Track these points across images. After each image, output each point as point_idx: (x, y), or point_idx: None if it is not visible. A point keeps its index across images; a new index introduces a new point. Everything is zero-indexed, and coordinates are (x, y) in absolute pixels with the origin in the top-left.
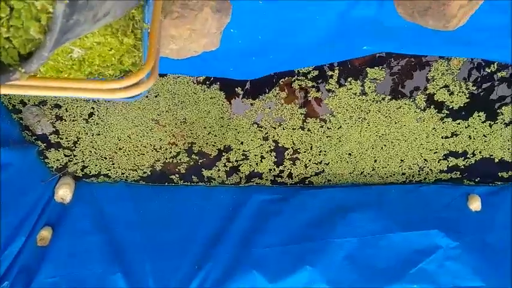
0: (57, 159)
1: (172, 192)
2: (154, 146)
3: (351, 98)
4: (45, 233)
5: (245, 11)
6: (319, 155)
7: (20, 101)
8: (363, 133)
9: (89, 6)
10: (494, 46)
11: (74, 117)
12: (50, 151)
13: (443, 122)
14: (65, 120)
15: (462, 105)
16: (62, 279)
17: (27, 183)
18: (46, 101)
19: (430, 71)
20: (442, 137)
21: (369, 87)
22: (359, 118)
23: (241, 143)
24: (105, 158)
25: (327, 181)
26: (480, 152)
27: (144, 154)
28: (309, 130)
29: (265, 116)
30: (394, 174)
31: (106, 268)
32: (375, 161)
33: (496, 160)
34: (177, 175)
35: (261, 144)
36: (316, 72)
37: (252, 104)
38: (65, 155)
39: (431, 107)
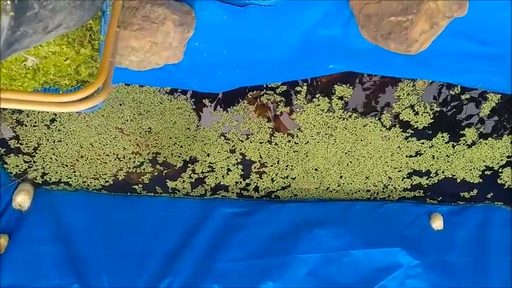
0: (17, 165)
1: (134, 203)
2: (117, 154)
3: (318, 114)
4: (1, 241)
5: (210, 25)
6: (286, 169)
7: None
8: (329, 149)
9: (38, 18)
10: (456, 70)
11: (35, 122)
12: (9, 156)
13: (407, 141)
14: (26, 126)
15: (426, 126)
16: None
17: None
18: None
19: (396, 90)
20: (406, 156)
21: (336, 104)
22: (326, 134)
23: (208, 154)
24: (66, 166)
25: (293, 195)
26: (443, 172)
27: (106, 163)
28: (276, 144)
29: (232, 128)
30: (359, 191)
31: (63, 279)
32: (341, 177)
33: (458, 180)
34: (140, 185)
35: (227, 157)
36: (284, 87)
37: (219, 116)
38: (25, 161)
39: (397, 126)
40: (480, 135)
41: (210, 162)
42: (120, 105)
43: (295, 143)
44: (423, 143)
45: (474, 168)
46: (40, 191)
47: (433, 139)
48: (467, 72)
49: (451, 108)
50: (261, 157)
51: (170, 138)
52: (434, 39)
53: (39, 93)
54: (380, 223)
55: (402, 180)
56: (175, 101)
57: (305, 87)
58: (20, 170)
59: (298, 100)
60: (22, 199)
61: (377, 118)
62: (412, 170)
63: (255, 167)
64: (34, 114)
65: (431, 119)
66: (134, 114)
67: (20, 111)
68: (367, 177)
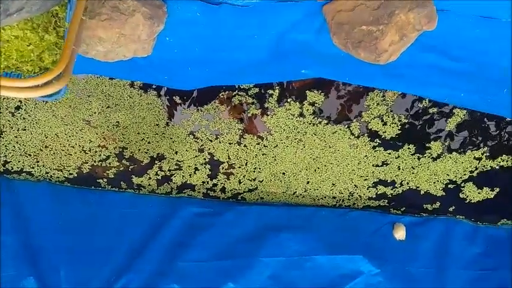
0: None
1: (98, 197)
2: (83, 147)
3: (289, 118)
4: None
5: (182, 21)
6: (254, 171)
7: None
8: (298, 154)
9: None
10: (424, 83)
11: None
12: None
13: (375, 151)
14: None
15: (394, 136)
16: None
17: None
18: None
19: (366, 100)
20: (373, 165)
21: (307, 109)
22: (295, 139)
23: (176, 152)
24: (30, 155)
25: (259, 198)
26: (407, 183)
27: (71, 154)
28: (245, 146)
29: (202, 127)
30: (325, 197)
31: (18, 271)
32: (308, 182)
33: (422, 192)
34: (105, 179)
35: (195, 156)
36: (256, 90)
37: (189, 114)
38: None
39: (365, 135)
40: (445, 149)
41: (177, 160)
42: (89, 96)
43: (264, 146)
44: (390, 154)
45: (438, 181)
46: (1, 180)
47: (400, 150)
48: (435, 86)
49: (418, 121)
50: (229, 158)
51: (138, 133)
52: (403, 50)
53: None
54: (344, 230)
55: (368, 189)
56: (146, 96)
57: (277, 91)
58: None
59: (270, 103)
60: None
61: (346, 126)
62: (377, 180)
63: (222, 168)
64: None
65: (398, 130)
66: (103, 107)
67: None
68: (333, 184)
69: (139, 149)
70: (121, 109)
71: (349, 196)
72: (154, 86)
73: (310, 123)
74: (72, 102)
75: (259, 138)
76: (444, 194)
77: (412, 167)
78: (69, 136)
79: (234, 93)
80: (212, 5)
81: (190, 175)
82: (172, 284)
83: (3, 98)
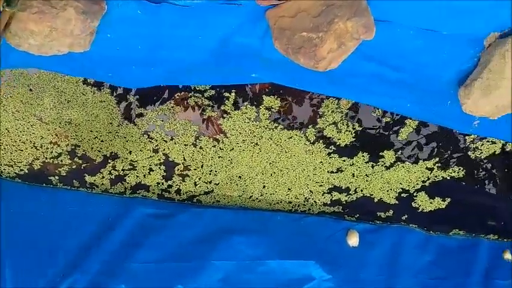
0: None
1: (49, 195)
2: (34, 143)
3: (245, 122)
4: None
5: (123, 19)
6: (210, 174)
7: None
8: (254, 158)
9: None
10: (368, 92)
11: None
12: None
13: (330, 157)
14: None
15: (348, 144)
16: None
17: None
18: None
19: (321, 107)
20: (328, 172)
21: (264, 114)
22: (251, 143)
23: (130, 152)
24: None
25: (215, 201)
26: (362, 190)
27: (22, 150)
28: (201, 148)
29: (157, 127)
30: (281, 202)
31: None
32: (264, 186)
33: (376, 200)
34: (57, 177)
35: (150, 156)
36: (212, 92)
37: (144, 114)
38: None
39: (320, 141)
40: (398, 158)
41: (131, 160)
42: (41, 92)
43: (220, 148)
44: (344, 161)
45: (391, 189)
46: None
47: (354, 158)
48: (379, 96)
49: (372, 129)
50: (184, 159)
51: (91, 131)
52: (344, 59)
53: None
54: (298, 235)
55: (323, 195)
56: (99, 94)
57: (233, 94)
58: None
59: (226, 106)
60: None
61: (302, 132)
62: (332, 186)
63: (178, 169)
64: None
65: (353, 137)
66: (55, 103)
67: None
68: (289, 189)
69: (92, 147)
70: (74, 106)
71: (304, 201)
72: (108, 84)
73: (266, 128)
74: (24, 97)
75: (215, 140)
76: (397, 202)
77: (366, 175)
78: (20, 131)
79: (190, 94)
80: (152, 3)
81: (144, 175)
82: (121, 285)
83: None
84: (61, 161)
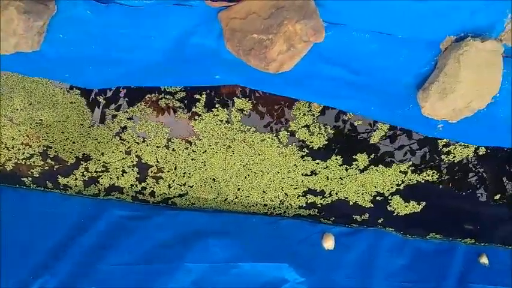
0: None
1: (22, 196)
2: (5, 144)
3: (216, 124)
4: None
5: (73, 19)
6: (184, 176)
7: None
8: (227, 160)
9: None
10: (330, 95)
11: None
12: None
13: (303, 160)
14: None
15: (321, 147)
16: None
17: None
18: None
19: (293, 109)
20: (302, 174)
21: (235, 116)
22: (224, 145)
23: (102, 154)
24: None
25: (191, 204)
26: (336, 193)
27: None
28: (173, 150)
29: (128, 129)
30: (256, 205)
31: None
32: (239, 189)
33: (351, 203)
34: (30, 178)
35: (123, 158)
36: (183, 94)
37: (115, 116)
38: None
39: (293, 144)
40: (371, 161)
41: (104, 162)
42: (10, 93)
43: (193, 150)
44: (318, 163)
45: (366, 192)
46: None
47: (328, 160)
48: (341, 98)
49: (344, 133)
50: (157, 161)
51: (62, 132)
52: (296, 61)
53: None
54: (273, 238)
55: (298, 198)
56: (69, 95)
57: (204, 96)
58: None
59: (197, 108)
60: None
61: (275, 134)
62: (307, 189)
63: (151, 171)
64: None
65: (325, 140)
66: (25, 103)
67: None
68: (264, 192)
69: (64, 149)
70: (44, 107)
71: (280, 204)
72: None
73: (238, 130)
74: None
75: (188, 142)
76: (372, 205)
77: (341, 178)
78: None
79: (161, 96)
80: (101, 3)
81: (118, 177)
82: (91, 287)
83: None
84: (33, 162)
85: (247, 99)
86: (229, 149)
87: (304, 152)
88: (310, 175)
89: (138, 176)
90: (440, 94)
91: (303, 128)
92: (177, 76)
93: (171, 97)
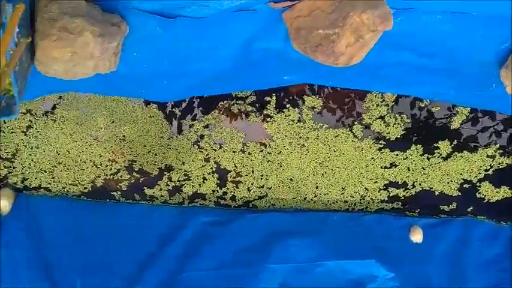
0: None
1: (113, 210)
2: (94, 161)
3: (289, 124)
4: None
5: (145, 37)
6: (261, 179)
7: None
8: (302, 159)
9: None
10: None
11: (12, 129)
12: None
13: (381, 153)
14: (4, 132)
15: (399, 137)
16: None
17: None
18: None
19: (365, 101)
20: (381, 167)
21: (307, 114)
22: (298, 144)
23: (183, 163)
24: (45, 172)
25: (271, 205)
26: (420, 184)
27: (84, 169)
28: (249, 154)
29: (205, 137)
30: (336, 202)
31: (35, 283)
32: (317, 187)
33: (437, 193)
34: (119, 192)
35: (202, 165)
36: (254, 98)
37: (191, 125)
38: (5, 167)
39: (369, 137)
40: (454, 148)
41: (185, 171)
42: (93, 113)
43: (268, 152)
44: (397, 155)
45: (452, 181)
46: (21, 196)
47: (407, 151)
48: (418, 85)
49: (422, 121)
50: (235, 166)
51: (144, 146)
52: (366, 52)
53: None
54: (356, 235)
55: (379, 192)
56: (147, 110)
57: (274, 98)
58: (0, 175)
59: (269, 110)
60: (3, 204)
61: (348, 129)
62: (388, 182)
63: (230, 176)
64: (10, 121)
65: (402, 130)
66: (107, 122)
67: None
68: (343, 188)
69: (147, 161)
70: (125, 123)
71: (360, 199)
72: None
73: (311, 128)
74: (79, 119)
75: (262, 145)
76: (460, 194)
77: (423, 168)
78: (80, 152)
79: (232, 102)
80: (169, 18)
81: (199, 185)
82: None
83: (15, 118)
84: (120, 176)
85: (317, 96)
86: (304, 147)
87: (381, 144)
88: (390, 167)
89: (218, 181)
90: None
91: (377, 120)
92: (246, 81)
93: (243, 102)
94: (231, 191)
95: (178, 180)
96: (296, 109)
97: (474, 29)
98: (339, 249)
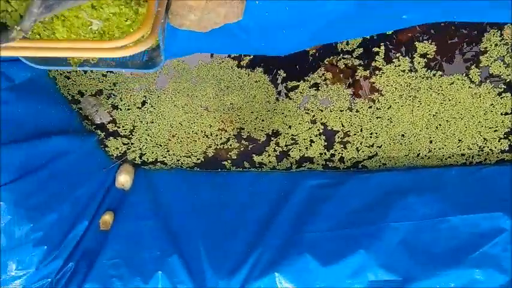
0: (117, 148)
1: (224, 178)
2: (205, 132)
3: (399, 75)
4: (107, 218)
5: None
6: (371, 137)
7: (78, 91)
8: (414, 112)
9: None
10: None
11: (128, 106)
12: (109, 139)
13: (501, 98)
14: (121, 109)
15: None
16: (122, 261)
17: (89, 170)
18: (102, 91)
19: (482, 42)
20: (501, 114)
21: (419, 62)
22: (409, 96)
23: (289, 127)
24: (161, 146)
25: (381, 165)
26: None
27: (196, 141)
28: (357, 111)
29: (311, 98)
30: (452, 156)
31: (162, 251)
32: (431, 142)
33: None
34: (229, 161)
35: (309, 128)
36: (361, 50)
37: (297, 87)
38: (123, 143)
39: (487, 81)
40: None
41: (292, 135)
42: (202, 83)
43: (377, 108)
44: None
45: None
46: (140, 171)
47: None
48: None
49: None
50: (343, 126)
51: (252, 112)
52: None
53: (88, 40)
54: (477, 188)
55: (499, 141)
56: (253, 75)
57: (383, 48)
58: (120, 152)
59: (377, 62)
60: (124, 179)
61: (464, 74)
62: (509, 129)
63: (338, 137)
64: (126, 98)
65: None
66: (216, 91)
67: (115, 96)
68: (460, 140)
69: (255, 128)
70: (233, 91)
71: (479, 151)
72: (255, 63)
73: (423, 77)
74: (189, 90)
75: (371, 101)
76: None
77: None
78: (191, 123)
79: (339, 57)
80: None
81: (306, 148)
82: (304, 253)
83: (131, 96)
84: (230, 145)
85: (430, 41)
86: (416, 99)
87: (500, 88)
88: (511, 113)
89: (326, 143)
90: None
91: (496, 62)
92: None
93: (349, 56)
94: (339, 153)
95: (285, 145)
96: (407, 58)
97: None
98: (461, 204)
